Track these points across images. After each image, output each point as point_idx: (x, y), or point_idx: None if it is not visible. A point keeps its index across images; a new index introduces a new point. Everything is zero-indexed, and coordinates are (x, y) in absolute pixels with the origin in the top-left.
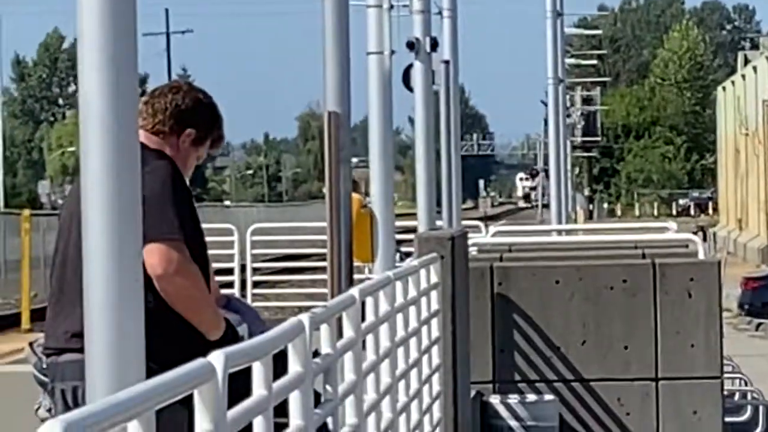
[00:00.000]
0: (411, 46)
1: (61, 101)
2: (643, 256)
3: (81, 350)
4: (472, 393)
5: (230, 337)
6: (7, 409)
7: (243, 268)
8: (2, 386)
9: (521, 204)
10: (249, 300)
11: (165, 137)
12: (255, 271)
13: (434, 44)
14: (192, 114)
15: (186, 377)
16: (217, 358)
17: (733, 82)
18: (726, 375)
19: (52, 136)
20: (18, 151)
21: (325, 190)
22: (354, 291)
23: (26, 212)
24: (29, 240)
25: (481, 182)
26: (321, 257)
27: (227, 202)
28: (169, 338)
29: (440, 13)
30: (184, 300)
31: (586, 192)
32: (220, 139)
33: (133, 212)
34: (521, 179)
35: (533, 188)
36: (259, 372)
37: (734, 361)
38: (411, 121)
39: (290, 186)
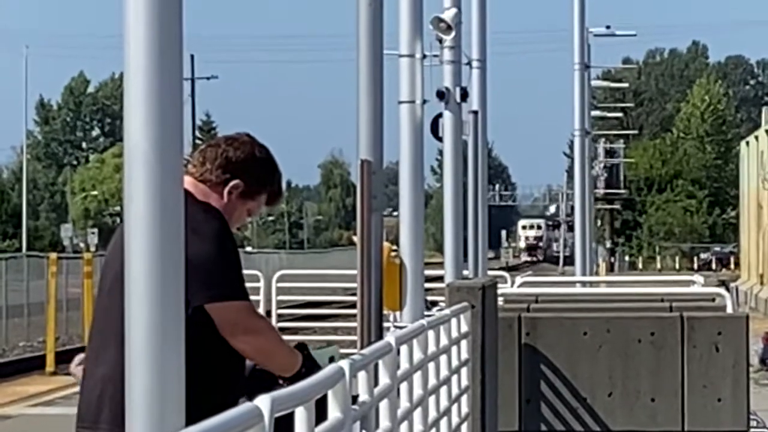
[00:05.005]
0: (441, 95)
1: (84, 145)
2: (671, 309)
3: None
4: None
5: (305, 370)
6: None
7: (267, 314)
8: (29, 428)
9: (524, 257)
10: None
11: (212, 186)
12: (279, 317)
13: (464, 94)
14: (241, 166)
15: (234, 421)
16: (263, 402)
17: (756, 137)
18: (752, 430)
19: (76, 179)
20: (41, 194)
21: (356, 239)
22: (390, 338)
23: (53, 255)
24: (55, 283)
25: (503, 233)
26: (344, 305)
27: (249, 248)
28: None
29: (469, 63)
30: (261, 355)
31: (608, 244)
32: (276, 196)
33: (175, 249)
34: (524, 227)
35: (539, 238)
36: (302, 417)
37: (759, 416)
38: (432, 170)
39: (312, 233)
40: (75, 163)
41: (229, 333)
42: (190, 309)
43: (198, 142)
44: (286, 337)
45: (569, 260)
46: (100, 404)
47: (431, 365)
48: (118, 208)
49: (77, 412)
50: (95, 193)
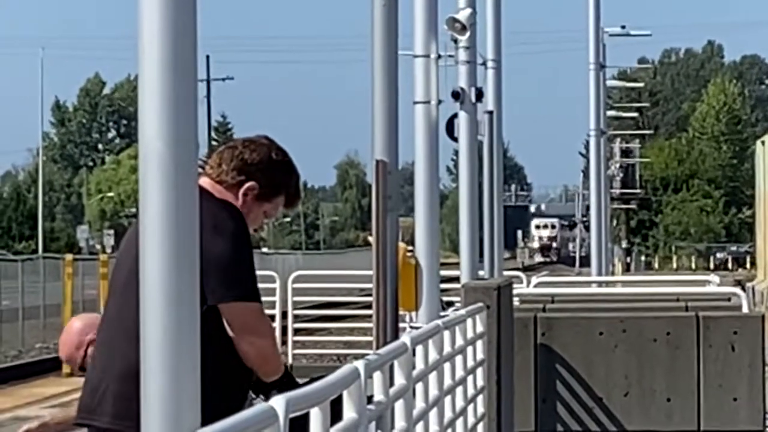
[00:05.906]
0: (456, 96)
1: (100, 147)
2: (686, 308)
3: (128, 390)
4: None
5: (286, 380)
6: None
7: (284, 314)
8: None
9: (537, 258)
10: (289, 347)
11: (227, 188)
12: (295, 318)
13: (479, 94)
14: (256, 169)
15: (249, 421)
16: (278, 402)
17: None
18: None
19: (92, 181)
20: (57, 196)
21: (372, 239)
22: (406, 339)
23: (69, 257)
24: (71, 284)
25: (519, 233)
26: (360, 305)
27: (265, 249)
28: (226, 389)
29: (484, 63)
30: (261, 358)
31: (624, 244)
32: (294, 198)
33: (190, 247)
34: (538, 227)
35: (552, 238)
36: (316, 417)
37: None
38: (448, 170)
39: (328, 234)
40: (91, 164)
41: (237, 333)
42: (205, 306)
43: (214, 143)
44: (301, 338)
45: (585, 260)
46: (104, 398)
47: (447, 365)
48: (134, 210)
49: (79, 403)
50: (111, 194)
